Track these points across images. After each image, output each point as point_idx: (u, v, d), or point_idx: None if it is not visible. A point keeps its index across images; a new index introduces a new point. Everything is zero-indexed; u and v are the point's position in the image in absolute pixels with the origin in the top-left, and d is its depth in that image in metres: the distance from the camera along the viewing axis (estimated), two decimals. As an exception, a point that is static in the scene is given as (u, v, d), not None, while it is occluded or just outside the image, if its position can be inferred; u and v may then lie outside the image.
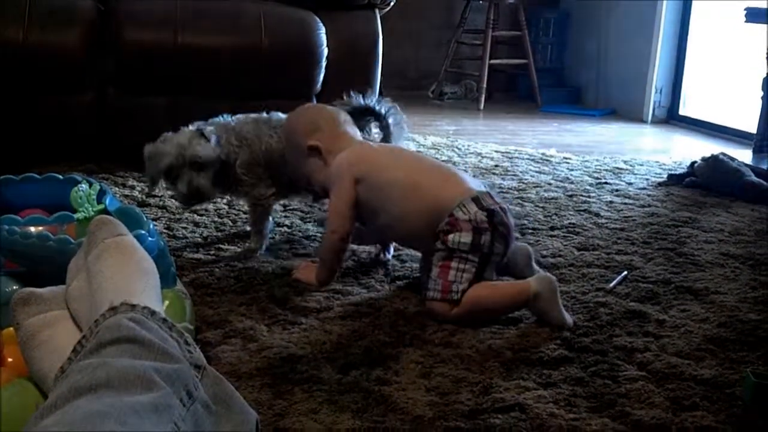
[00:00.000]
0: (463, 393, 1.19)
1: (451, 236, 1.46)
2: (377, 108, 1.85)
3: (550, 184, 2.64)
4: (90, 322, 0.93)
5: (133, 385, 0.78)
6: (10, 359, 1.09)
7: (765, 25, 3.10)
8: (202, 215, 2.06)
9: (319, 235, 1.92)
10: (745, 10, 3.32)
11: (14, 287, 1.23)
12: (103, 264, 1.03)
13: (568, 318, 1.45)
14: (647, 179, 2.80)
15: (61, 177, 1.58)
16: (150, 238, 1.28)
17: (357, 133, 1.69)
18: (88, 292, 1.01)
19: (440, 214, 1.48)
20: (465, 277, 1.45)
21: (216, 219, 2.03)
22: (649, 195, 2.55)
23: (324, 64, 2.63)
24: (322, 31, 2.62)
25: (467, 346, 1.35)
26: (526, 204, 2.34)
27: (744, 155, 2.97)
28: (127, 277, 1.01)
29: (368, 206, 1.57)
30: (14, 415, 0.94)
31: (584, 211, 2.29)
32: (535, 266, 1.64)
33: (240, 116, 1.81)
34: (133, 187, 2.29)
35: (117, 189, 2.27)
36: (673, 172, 2.82)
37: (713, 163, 2.66)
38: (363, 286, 1.62)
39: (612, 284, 1.67)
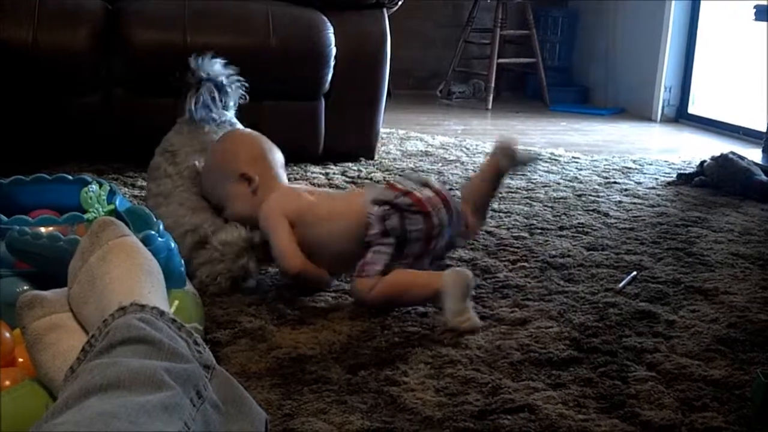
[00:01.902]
0: (472, 394, 1.19)
1: (366, 236, 1.53)
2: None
3: (558, 183, 2.64)
4: (97, 323, 0.93)
5: (143, 385, 0.78)
6: (20, 360, 1.10)
7: (775, 24, 3.09)
8: (210, 215, 2.06)
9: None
10: (754, 8, 3.31)
11: (25, 287, 1.23)
12: (109, 265, 1.03)
13: (476, 320, 1.43)
14: (656, 179, 2.79)
15: (71, 177, 1.59)
16: (159, 239, 1.28)
17: (284, 178, 1.70)
18: (92, 294, 1.02)
19: (362, 226, 1.53)
20: (381, 258, 1.50)
21: (225, 219, 2.03)
22: (658, 194, 2.55)
23: (332, 63, 2.64)
24: (331, 30, 2.63)
25: (476, 347, 1.35)
26: (534, 204, 2.34)
27: (754, 154, 2.96)
28: (134, 278, 1.02)
29: (305, 246, 1.56)
30: (24, 415, 0.94)
31: (593, 210, 2.29)
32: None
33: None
34: (142, 187, 2.30)
35: (126, 189, 2.27)
36: (682, 172, 2.81)
37: (723, 162, 2.65)
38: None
39: (621, 284, 1.66)
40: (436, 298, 1.45)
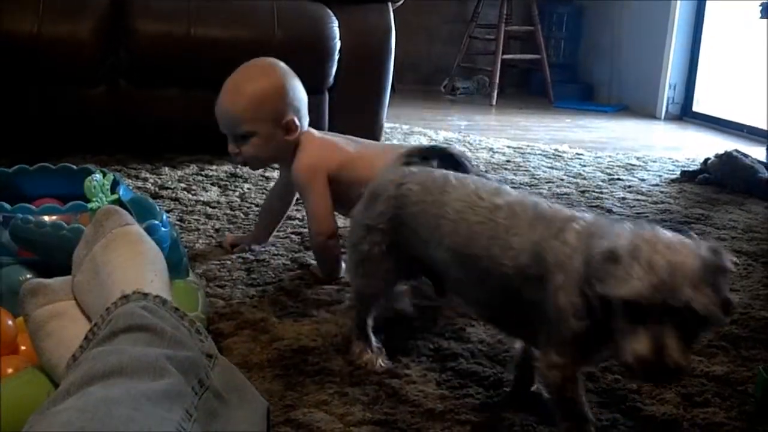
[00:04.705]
0: (474, 387, 1.19)
1: None
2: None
3: (562, 179, 2.63)
4: (100, 311, 0.93)
5: (145, 373, 0.78)
6: (23, 347, 1.10)
7: (781, 22, 3.08)
8: (214, 207, 2.06)
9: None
10: (760, 6, 3.30)
11: (28, 276, 1.24)
12: (112, 254, 1.03)
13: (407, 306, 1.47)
14: (660, 176, 2.79)
15: (74, 167, 1.59)
16: (163, 229, 1.28)
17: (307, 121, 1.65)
18: (96, 282, 1.02)
19: None
20: None
21: (228, 211, 2.04)
22: (661, 191, 2.54)
23: (336, 57, 2.63)
24: (335, 24, 2.62)
25: (477, 340, 1.35)
26: (537, 199, 2.34)
27: (758, 152, 2.95)
28: (137, 267, 1.02)
29: (340, 197, 1.57)
30: (26, 402, 0.94)
31: (597, 207, 2.29)
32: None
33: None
34: (146, 179, 2.30)
35: (130, 180, 2.27)
36: (686, 169, 2.81)
37: (726, 159, 2.64)
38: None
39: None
40: None
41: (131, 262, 1.02)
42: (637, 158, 3.08)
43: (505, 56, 4.69)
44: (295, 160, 1.60)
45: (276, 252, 1.75)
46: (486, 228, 1.05)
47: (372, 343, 1.26)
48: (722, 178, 2.61)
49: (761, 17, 3.32)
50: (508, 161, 2.88)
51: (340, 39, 2.62)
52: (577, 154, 3.10)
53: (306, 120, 1.63)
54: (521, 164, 2.84)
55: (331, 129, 2.74)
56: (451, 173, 1.18)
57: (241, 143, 1.57)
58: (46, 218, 1.31)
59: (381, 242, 1.19)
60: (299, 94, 1.61)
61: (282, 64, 1.63)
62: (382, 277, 1.24)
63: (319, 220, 1.58)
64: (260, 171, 2.46)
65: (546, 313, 0.98)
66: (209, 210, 2.04)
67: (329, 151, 1.61)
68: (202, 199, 2.14)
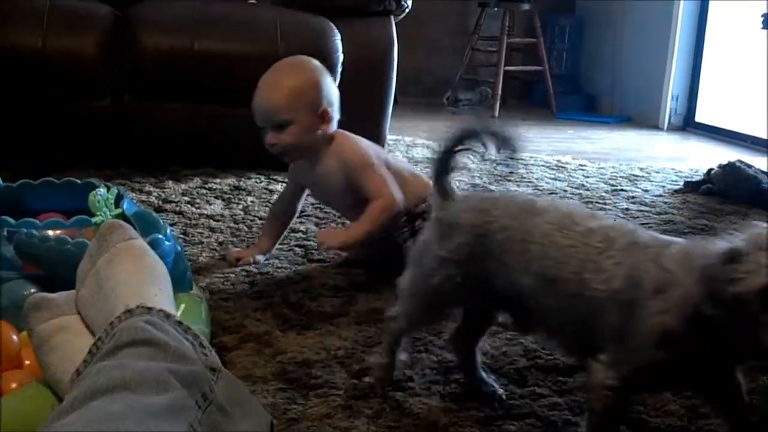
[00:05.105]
0: (478, 400, 1.19)
1: (417, 222, 1.63)
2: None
3: (565, 191, 2.63)
4: (104, 326, 0.94)
5: (149, 387, 0.78)
6: (27, 362, 1.10)
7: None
8: (218, 220, 2.07)
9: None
10: (762, 16, 3.31)
11: (32, 290, 1.24)
12: (116, 268, 1.03)
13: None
14: (663, 186, 2.79)
15: (78, 181, 1.59)
16: (167, 242, 1.28)
17: None
18: (99, 297, 1.02)
19: (419, 199, 1.66)
20: None
21: (232, 224, 2.04)
22: (665, 202, 2.54)
23: (339, 70, 2.64)
24: (338, 37, 2.63)
25: (482, 353, 1.34)
26: (541, 211, 2.34)
27: (761, 162, 2.95)
28: (141, 281, 1.02)
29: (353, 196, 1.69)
30: (30, 417, 0.94)
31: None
32: None
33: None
34: (149, 193, 2.31)
35: (134, 194, 2.28)
36: (689, 180, 2.81)
37: (730, 170, 2.64)
38: (376, 292, 1.62)
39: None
40: None
41: (135, 277, 1.02)
42: (641, 169, 3.08)
43: (508, 68, 4.70)
44: (340, 152, 1.67)
45: (279, 265, 1.75)
46: (578, 251, 1.02)
47: (395, 360, 1.23)
48: (725, 189, 2.61)
49: (763, 28, 3.33)
50: (511, 172, 2.88)
51: (342, 52, 2.63)
52: (580, 165, 3.10)
53: (338, 115, 1.71)
54: (524, 175, 2.84)
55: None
56: (535, 198, 1.15)
57: (279, 132, 1.63)
58: (50, 233, 1.31)
59: (456, 275, 1.12)
60: (333, 89, 1.71)
61: (315, 61, 1.74)
62: (447, 309, 1.21)
63: (395, 190, 1.64)
64: (264, 184, 2.46)
65: (623, 337, 0.96)
66: (213, 223, 2.04)
67: (371, 147, 1.73)
68: (205, 212, 2.14)
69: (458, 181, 2.75)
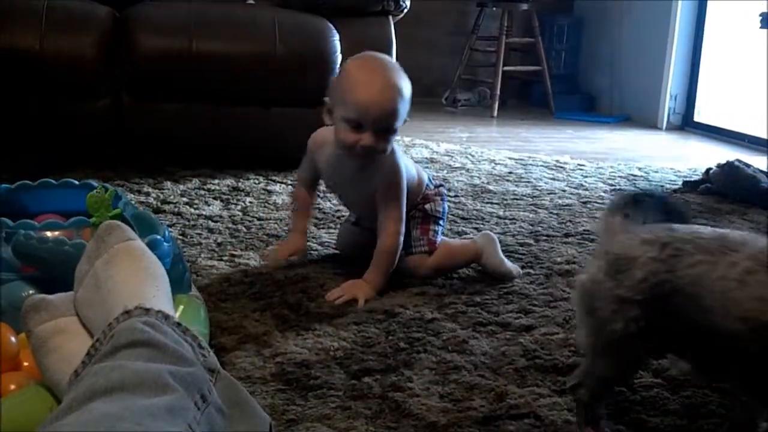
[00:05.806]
0: (477, 400, 1.19)
1: (427, 206, 1.74)
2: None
3: (564, 191, 2.63)
4: (102, 327, 0.93)
5: (148, 388, 0.78)
6: (25, 363, 1.10)
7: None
8: (216, 221, 2.07)
9: (332, 241, 1.92)
10: (760, 15, 3.31)
11: (30, 292, 1.23)
12: (114, 269, 1.03)
13: (513, 267, 1.74)
14: (662, 186, 2.79)
15: (77, 182, 1.59)
16: (165, 244, 1.28)
17: None
18: (98, 298, 1.02)
19: (419, 192, 1.75)
20: (439, 235, 1.76)
21: (230, 225, 2.04)
22: (663, 202, 2.54)
23: (338, 71, 2.64)
24: (336, 38, 2.63)
25: (480, 353, 1.35)
26: (540, 211, 2.34)
27: (760, 162, 2.95)
28: (140, 282, 1.02)
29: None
30: (29, 419, 0.94)
31: (599, 218, 2.28)
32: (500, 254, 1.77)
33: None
34: (148, 194, 2.31)
35: (132, 195, 2.28)
36: (688, 179, 2.81)
37: (728, 169, 2.64)
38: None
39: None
40: (477, 257, 1.74)
41: (133, 278, 1.02)
42: (639, 169, 3.08)
43: (506, 68, 4.70)
44: (394, 162, 1.63)
45: (278, 265, 1.75)
46: None
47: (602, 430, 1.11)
48: (724, 188, 2.61)
49: (761, 27, 3.33)
50: (509, 173, 2.88)
51: (341, 52, 2.63)
52: (578, 165, 3.10)
53: None
54: (523, 176, 2.84)
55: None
56: (725, 230, 1.03)
57: (380, 135, 1.54)
58: (49, 234, 1.31)
59: (640, 317, 0.99)
60: None
61: None
62: (635, 359, 1.08)
63: (402, 222, 1.66)
64: (262, 184, 2.46)
65: None
66: (211, 224, 2.04)
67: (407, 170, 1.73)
68: (204, 213, 2.14)
69: (458, 181, 2.75)
